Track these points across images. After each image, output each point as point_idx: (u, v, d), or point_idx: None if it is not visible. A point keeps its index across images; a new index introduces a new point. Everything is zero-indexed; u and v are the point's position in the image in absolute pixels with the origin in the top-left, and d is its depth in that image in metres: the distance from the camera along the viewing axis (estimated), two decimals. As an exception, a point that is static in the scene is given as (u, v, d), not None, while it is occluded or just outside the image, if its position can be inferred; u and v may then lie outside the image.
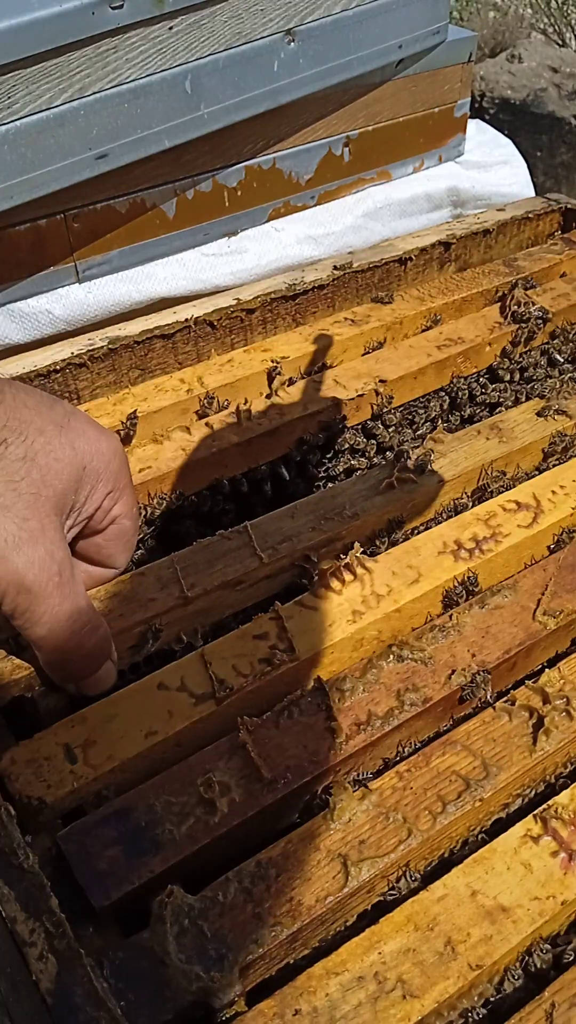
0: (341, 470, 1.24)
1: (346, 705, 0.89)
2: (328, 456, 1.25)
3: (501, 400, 1.34)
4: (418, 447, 1.17)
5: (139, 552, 1.13)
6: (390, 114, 1.64)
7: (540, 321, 1.38)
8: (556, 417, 1.21)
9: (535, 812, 0.80)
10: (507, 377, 1.36)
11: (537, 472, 1.19)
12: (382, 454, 1.26)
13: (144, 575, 0.98)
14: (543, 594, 1.00)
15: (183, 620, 0.97)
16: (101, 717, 0.86)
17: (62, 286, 1.41)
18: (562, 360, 1.41)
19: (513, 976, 0.73)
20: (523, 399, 1.35)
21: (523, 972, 0.73)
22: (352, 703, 0.89)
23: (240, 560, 1.00)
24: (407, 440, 1.28)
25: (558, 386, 1.28)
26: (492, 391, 1.35)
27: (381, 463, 1.21)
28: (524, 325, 1.38)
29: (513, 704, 0.89)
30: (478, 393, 1.34)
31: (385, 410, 1.27)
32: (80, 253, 1.40)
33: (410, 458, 1.13)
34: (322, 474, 1.25)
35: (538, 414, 1.22)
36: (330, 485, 1.20)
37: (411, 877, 0.78)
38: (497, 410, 1.34)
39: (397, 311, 1.42)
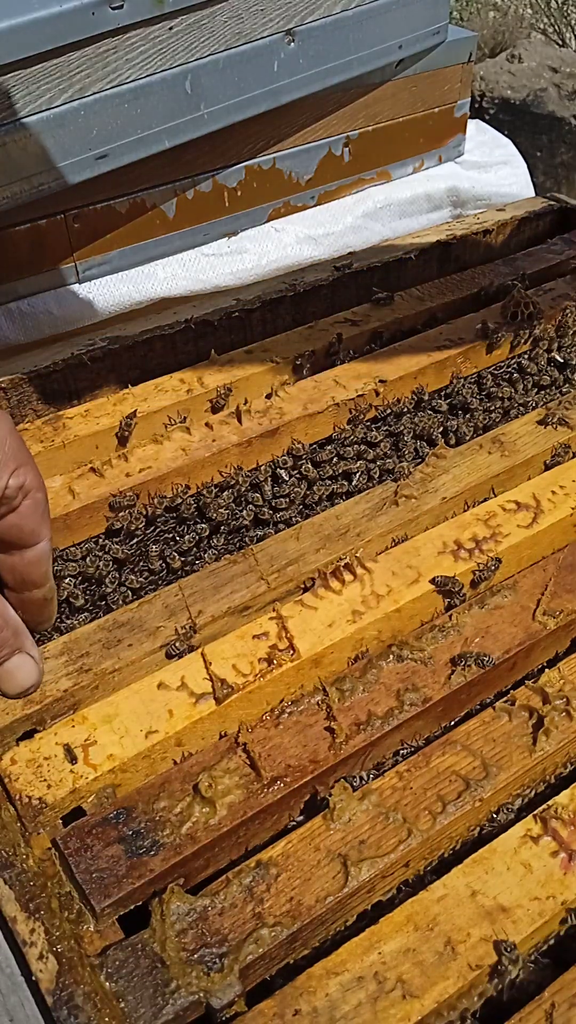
0: (341, 471, 1.24)
1: (346, 705, 0.89)
2: (329, 457, 1.25)
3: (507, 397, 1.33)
4: (420, 463, 1.17)
5: (139, 556, 1.12)
6: (390, 114, 1.64)
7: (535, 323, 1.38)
8: (558, 428, 1.21)
9: (535, 812, 0.80)
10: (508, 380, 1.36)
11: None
12: (384, 456, 1.26)
13: (151, 603, 0.99)
14: (543, 594, 1.00)
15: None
16: (101, 717, 0.86)
17: (62, 286, 1.41)
18: (561, 361, 1.41)
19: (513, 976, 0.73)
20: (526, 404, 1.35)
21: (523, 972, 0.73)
22: (352, 703, 0.89)
23: (246, 585, 1.00)
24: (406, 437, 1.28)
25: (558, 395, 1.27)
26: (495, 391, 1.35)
27: (381, 464, 1.21)
28: (524, 324, 1.37)
29: (513, 704, 0.89)
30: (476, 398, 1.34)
31: (385, 411, 1.27)
32: (80, 253, 1.40)
33: (412, 475, 1.13)
34: (323, 475, 1.24)
35: (539, 423, 1.22)
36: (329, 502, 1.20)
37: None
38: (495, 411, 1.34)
39: (397, 311, 1.42)
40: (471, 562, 1.02)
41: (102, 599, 1.06)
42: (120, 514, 1.09)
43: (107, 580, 1.06)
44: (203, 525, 1.13)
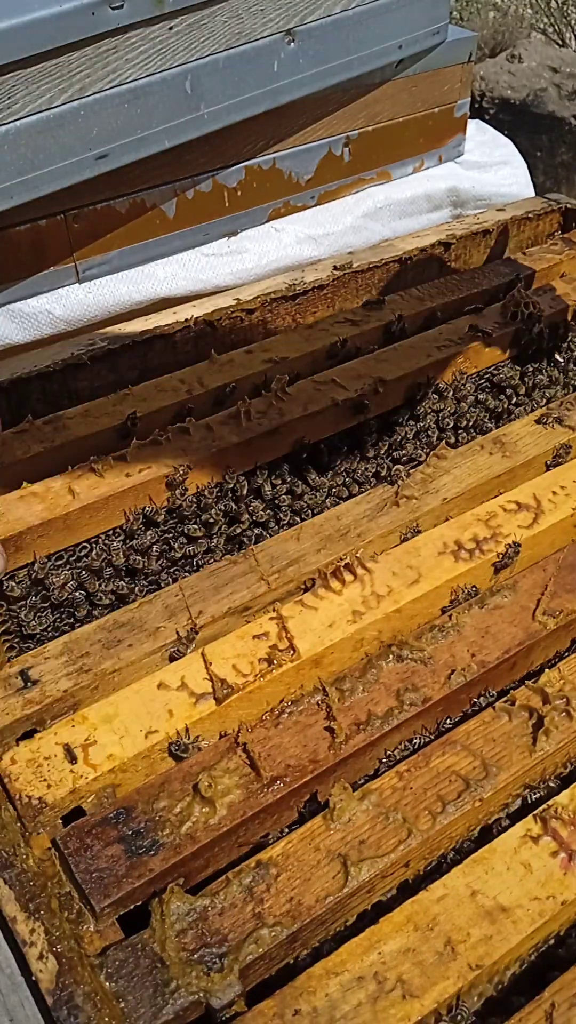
0: (343, 469, 1.24)
1: (346, 705, 0.89)
2: (330, 457, 1.25)
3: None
4: (421, 463, 1.17)
5: (138, 555, 1.12)
6: (390, 114, 1.64)
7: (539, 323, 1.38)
8: (559, 428, 1.21)
9: (535, 812, 0.80)
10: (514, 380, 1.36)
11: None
12: (384, 456, 1.26)
13: (151, 603, 0.98)
14: (543, 594, 1.00)
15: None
16: (101, 717, 0.86)
17: (62, 286, 1.41)
18: (562, 361, 1.41)
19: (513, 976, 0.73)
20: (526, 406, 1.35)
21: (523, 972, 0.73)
22: (352, 703, 0.89)
23: (247, 585, 1.00)
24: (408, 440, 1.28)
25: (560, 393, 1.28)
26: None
27: (381, 468, 1.21)
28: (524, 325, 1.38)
29: (513, 704, 0.89)
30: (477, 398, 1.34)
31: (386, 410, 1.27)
32: (80, 253, 1.40)
33: (411, 475, 1.13)
34: (323, 477, 1.24)
35: (540, 423, 1.21)
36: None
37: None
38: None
39: (397, 311, 1.42)
40: (472, 562, 1.02)
41: (98, 602, 1.06)
42: (176, 491, 1.09)
43: (103, 582, 1.06)
44: (200, 527, 1.13)
